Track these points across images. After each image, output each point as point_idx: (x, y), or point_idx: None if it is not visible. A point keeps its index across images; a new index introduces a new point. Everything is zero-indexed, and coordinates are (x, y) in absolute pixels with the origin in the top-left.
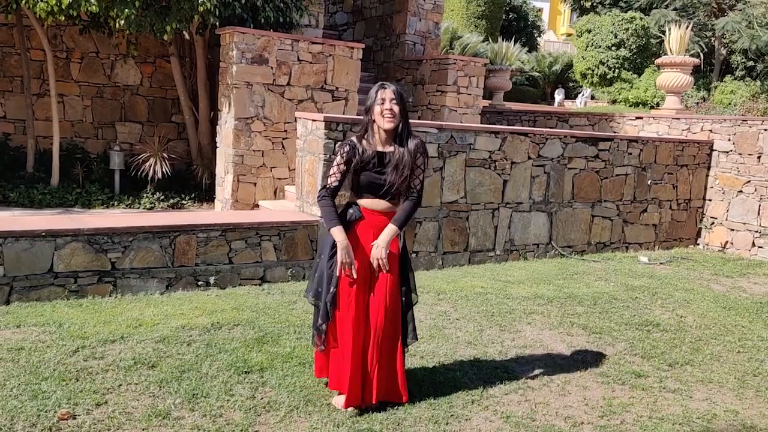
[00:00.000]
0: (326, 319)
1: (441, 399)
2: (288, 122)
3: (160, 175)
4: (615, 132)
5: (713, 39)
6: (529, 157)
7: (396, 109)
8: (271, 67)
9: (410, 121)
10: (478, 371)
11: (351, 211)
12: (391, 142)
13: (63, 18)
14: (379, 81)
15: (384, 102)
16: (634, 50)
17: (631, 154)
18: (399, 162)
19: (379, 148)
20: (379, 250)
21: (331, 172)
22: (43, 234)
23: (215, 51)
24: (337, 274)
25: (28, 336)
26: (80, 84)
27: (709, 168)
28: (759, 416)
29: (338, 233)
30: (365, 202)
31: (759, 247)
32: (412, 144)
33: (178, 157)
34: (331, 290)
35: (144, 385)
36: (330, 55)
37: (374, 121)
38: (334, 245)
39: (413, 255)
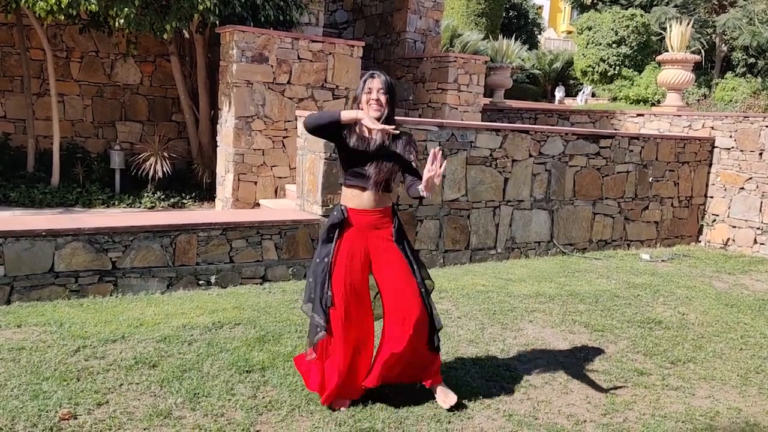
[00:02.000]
0: (325, 318)
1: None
2: (288, 121)
3: (160, 174)
4: (616, 129)
5: (714, 36)
6: (530, 155)
7: (383, 99)
8: (272, 66)
9: (412, 119)
10: (480, 369)
11: (336, 213)
12: (377, 131)
13: (62, 17)
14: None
15: (371, 92)
16: (635, 47)
17: (632, 151)
18: (382, 148)
19: (366, 134)
20: (424, 181)
21: None
22: (43, 234)
23: (215, 50)
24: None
25: (29, 336)
26: (80, 83)
27: (710, 165)
28: (762, 413)
29: (345, 112)
30: (351, 200)
31: (761, 244)
32: (401, 140)
33: (178, 156)
34: (327, 292)
35: (145, 385)
36: (330, 53)
37: (361, 109)
38: (327, 241)
39: None
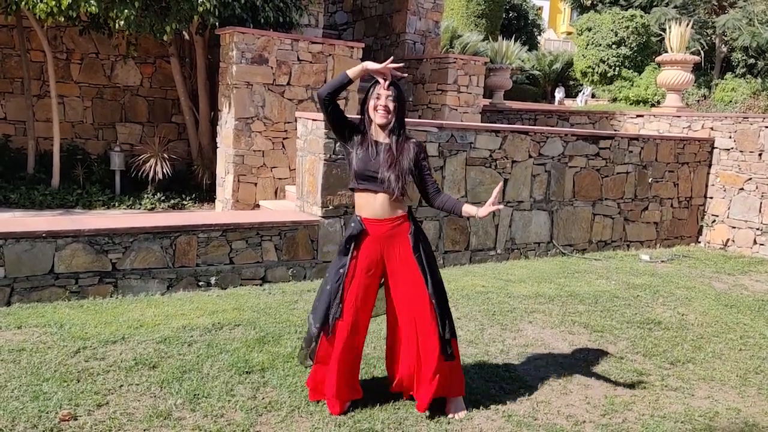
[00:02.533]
0: (320, 326)
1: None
2: (288, 122)
3: (160, 175)
4: (616, 130)
5: (714, 36)
6: (530, 156)
7: (391, 105)
8: (271, 67)
9: (412, 120)
10: (480, 370)
11: (353, 225)
12: (386, 135)
13: (63, 19)
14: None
15: (380, 98)
16: (635, 48)
17: (632, 152)
18: (392, 152)
19: (378, 138)
20: (485, 208)
21: None
22: (43, 235)
23: (215, 51)
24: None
25: (30, 337)
26: (80, 85)
27: (710, 166)
28: (761, 414)
29: (351, 70)
30: (365, 208)
31: (760, 244)
32: (412, 146)
33: (178, 157)
34: (338, 304)
35: (145, 386)
36: (330, 54)
37: (369, 115)
38: (343, 253)
39: None
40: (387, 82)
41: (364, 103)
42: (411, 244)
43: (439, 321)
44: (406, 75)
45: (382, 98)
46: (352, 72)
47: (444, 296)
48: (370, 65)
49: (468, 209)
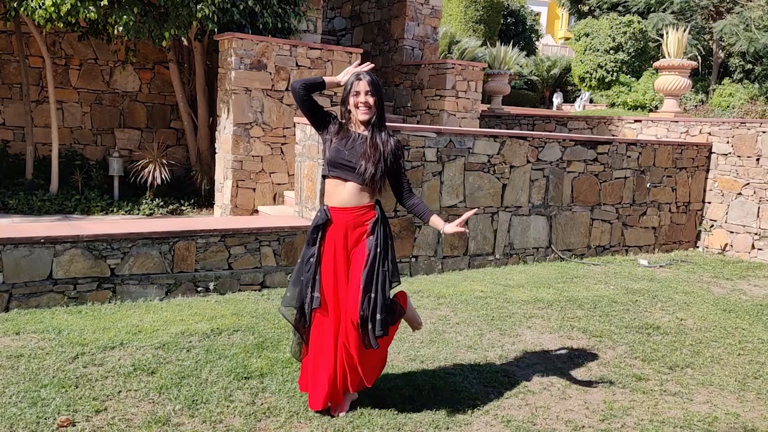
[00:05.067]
0: (304, 320)
1: (441, 404)
2: (287, 127)
3: (159, 181)
4: (613, 135)
5: (711, 42)
6: (528, 161)
7: (371, 100)
8: (270, 73)
9: (410, 125)
10: (479, 375)
11: (319, 214)
12: (367, 128)
13: (61, 25)
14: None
15: (359, 94)
16: (632, 54)
17: (629, 157)
18: (371, 144)
19: (354, 129)
20: (451, 227)
21: None
22: (42, 241)
23: (214, 57)
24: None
25: (28, 343)
26: (79, 90)
27: (707, 171)
28: (760, 419)
29: (327, 78)
30: (333, 195)
31: (758, 249)
32: (392, 140)
33: (177, 163)
34: (315, 295)
35: (143, 392)
36: (328, 60)
37: (350, 111)
38: (311, 243)
39: (413, 259)
40: (365, 80)
41: (344, 102)
42: (368, 229)
43: (362, 304)
44: (372, 64)
45: (361, 95)
46: (328, 78)
47: (374, 285)
48: (344, 81)
49: (435, 221)
